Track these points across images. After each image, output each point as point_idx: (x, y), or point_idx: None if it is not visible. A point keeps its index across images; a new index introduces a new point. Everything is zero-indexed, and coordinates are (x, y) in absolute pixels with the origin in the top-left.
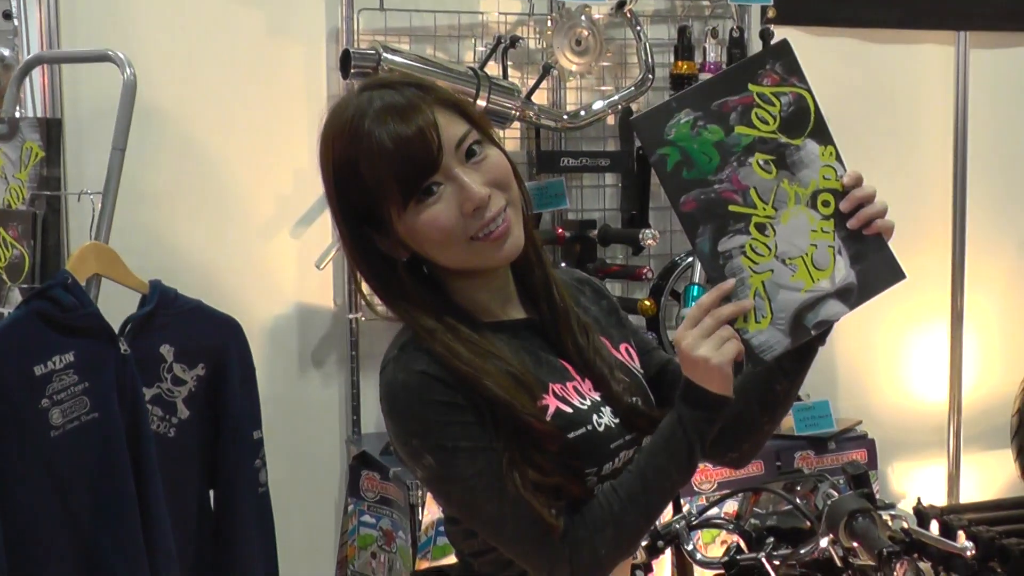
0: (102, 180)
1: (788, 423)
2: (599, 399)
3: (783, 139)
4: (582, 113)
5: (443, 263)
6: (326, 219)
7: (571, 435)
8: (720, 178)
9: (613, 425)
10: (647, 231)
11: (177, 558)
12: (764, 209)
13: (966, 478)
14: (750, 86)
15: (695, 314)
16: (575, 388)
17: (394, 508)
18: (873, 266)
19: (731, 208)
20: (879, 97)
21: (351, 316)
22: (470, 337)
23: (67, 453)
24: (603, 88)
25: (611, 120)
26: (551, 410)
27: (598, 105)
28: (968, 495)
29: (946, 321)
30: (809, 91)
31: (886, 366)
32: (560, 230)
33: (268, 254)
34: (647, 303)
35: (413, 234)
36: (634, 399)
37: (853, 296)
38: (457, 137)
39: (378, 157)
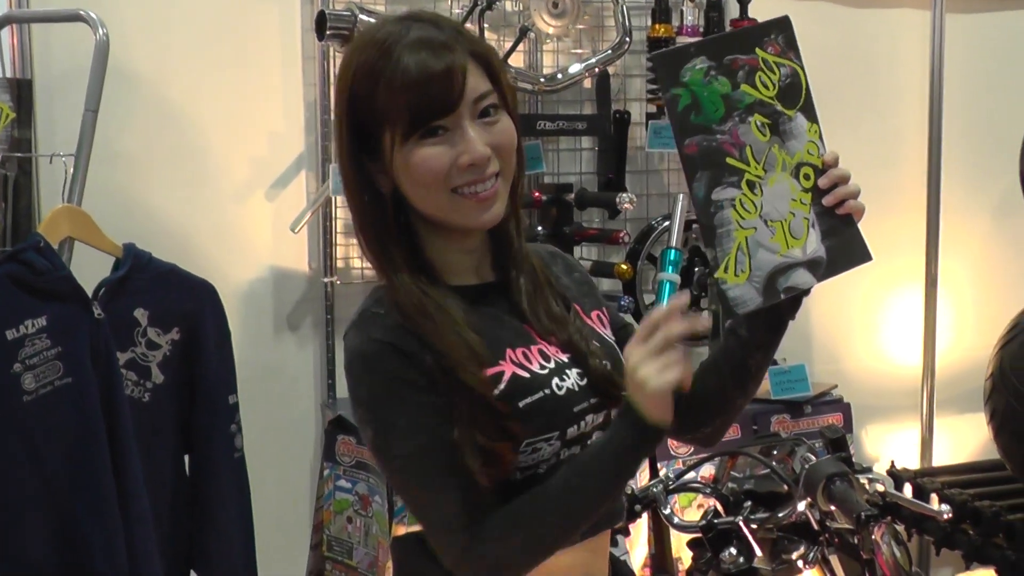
0: (74, 142)
1: (764, 387)
2: (566, 361)
3: (779, 107)
4: (559, 76)
5: (421, 208)
6: (301, 182)
7: (523, 401)
8: (723, 129)
9: (577, 388)
10: (624, 195)
11: (152, 523)
12: (756, 168)
13: (939, 442)
14: (757, 50)
15: (646, 329)
16: (540, 351)
17: (370, 473)
18: (842, 244)
19: (728, 160)
20: (855, 61)
21: (326, 280)
22: (433, 296)
23: (40, 418)
24: (580, 51)
25: (588, 83)
26: (506, 375)
27: (575, 68)
28: (941, 458)
29: (920, 285)
30: (803, 69)
31: (861, 330)
32: (537, 194)
33: (242, 217)
34: (624, 267)
35: (404, 170)
36: (604, 363)
37: (821, 269)
38: (479, 92)
39: (399, 82)
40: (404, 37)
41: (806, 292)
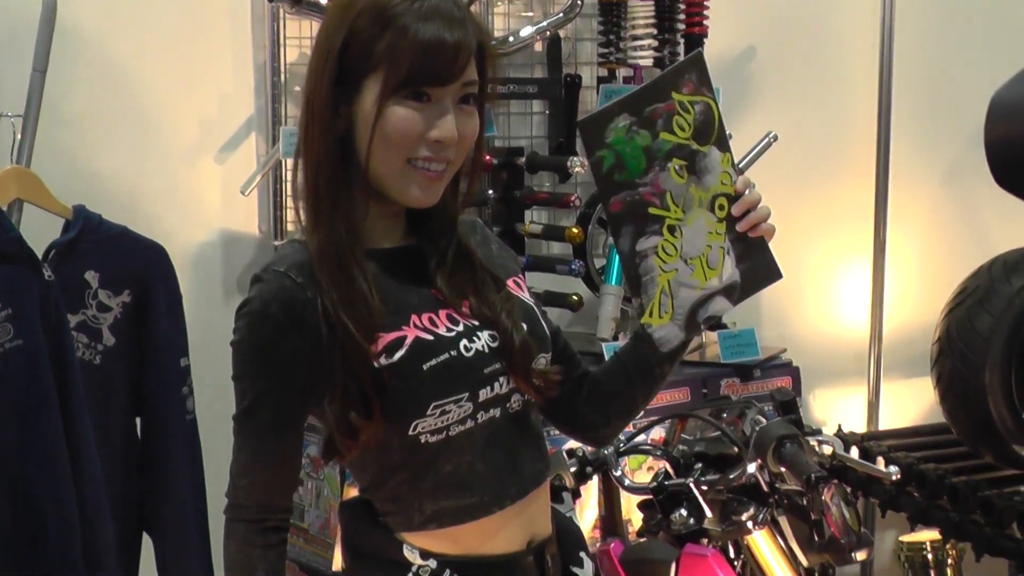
0: (20, 103)
1: (714, 351)
2: (476, 325)
3: (694, 146)
4: (510, 40)
5: (371, 163)
6: (251, 145)
7: (428, 363)
8: (645, 181)
9: (487, 350)
10: (575, 158)
11: (104, 485)
12: (676, 212)
13: (885, 406)
14: (673, 94)
15: None
16: (448, 316)
17: (320, 435)
18: (755, 266)
19: (650, 210)
20: (805, 29)
21: (276, 243)
22: (355, 257)
23: None
24: (531, 14)
25: (539, 47)
26: (409, 340)
27: (526, 31)
28: (887, 423)
29: (869, 252)
30: (715, 100)
31: (810, 296)
32: (488, 157)
33: (192, 180)
34: (575, 231)
35: (372, 120)
36: (521, 325)
37: (736, 294)
38: (470, 78)
39: (411, 37)
40: (424, 2)
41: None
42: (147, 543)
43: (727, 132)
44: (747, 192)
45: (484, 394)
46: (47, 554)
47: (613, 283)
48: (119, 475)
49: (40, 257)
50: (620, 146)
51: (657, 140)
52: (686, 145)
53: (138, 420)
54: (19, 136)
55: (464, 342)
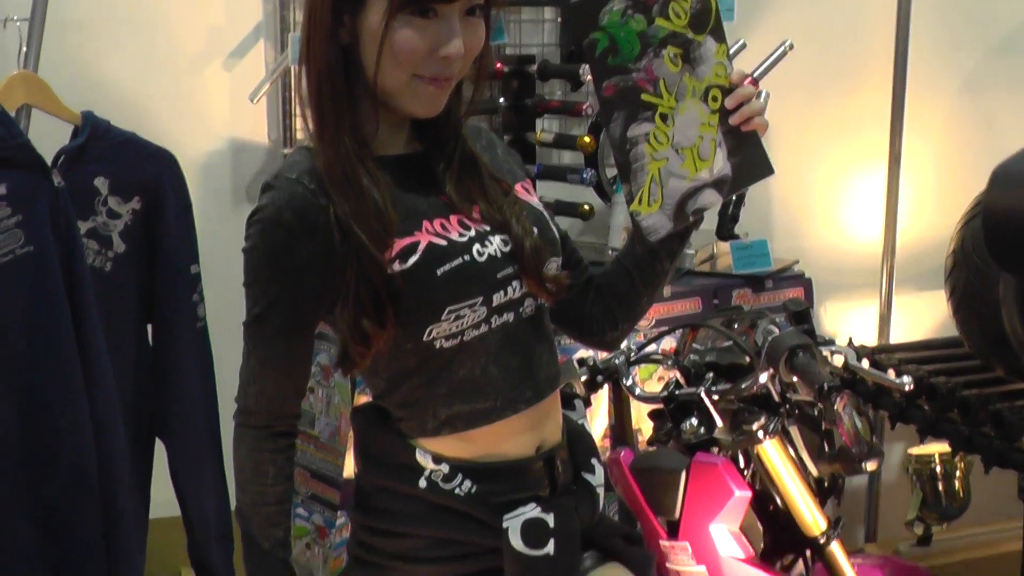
0: (27, 7)
1: (726, 262)
2: (488, 230)
3: (690, 35)
4: None
5: (378, 78)
6: (259, 51)
7: (441, 269)
8: (638, 67)
9: (500, 254)
10: (586, 66)
11: (116, 392)
12: (668, 100)
13: (897, 320)
14: None
15: None
16: (460, 221)
17: (331, 343)
18: (747, 160)
19: (643, 97)
20: None
21: (285, 151)
22: (365, 165)
23: (1, 287)
24: None
25: None
26: (422, 245)
27: None
28: (898, 336)
29: (884, 163)
30: None
31: (823, 207)
32: (499, 65)
33: (199, 87)
34: (586, 139)
35: (379, 37)
36: (532, 229)
37: (726, 187)
38: None
39: None
40: None
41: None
42: (160, 449)
43: (741, 41)
44: (741, 85)
45: (498, 298)
46: (61, 461)
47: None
48: (130, 382)
49: (49, 163)
50: (614, 29)
51: (652, 25)
52: (681, 33)
53: (149, 327)
54: (25, 42)
55: (477, 247)
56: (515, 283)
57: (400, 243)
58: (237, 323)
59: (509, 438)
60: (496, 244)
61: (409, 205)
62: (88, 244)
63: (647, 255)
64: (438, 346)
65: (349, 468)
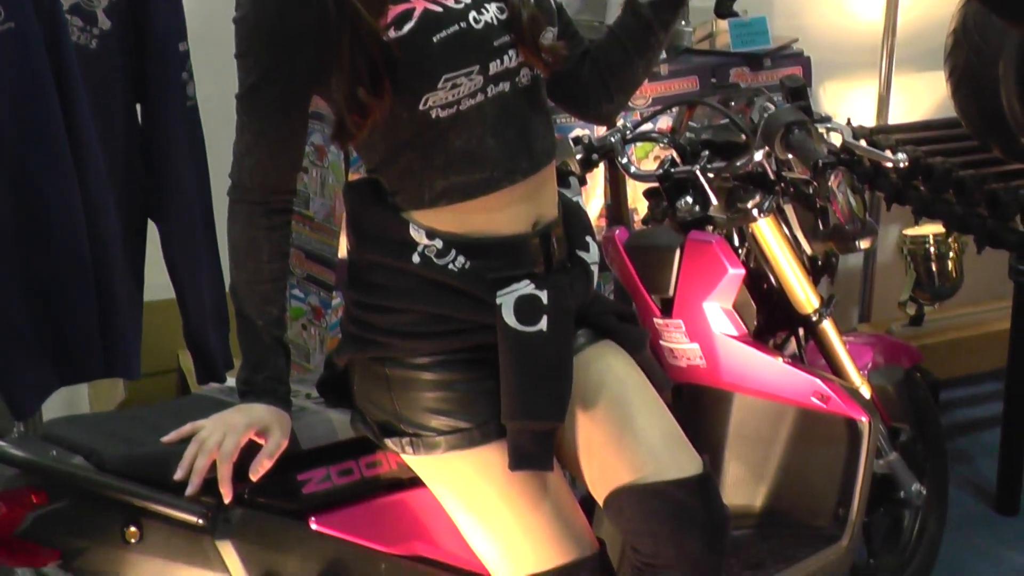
0: None
1: (724, 40)
2: None
3: None
4: None
5: None
6: None
7: (438, 36)
8: None
9: (496, 22)
10: None
11: (107, 174)
12: None
13: (896, 101)
14: None
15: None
16: None
17: (325, 123)
18: None
19: None
20: None
21: None
22: None
23: None
24: None
25: None
26: (417, 11)
27: None
28: (897, 118)
29: None
30: None
31: None
32: None
33: None
34: None
35: None
36: None
37: None
38: None
39: None
40: None
41: None
42: (153, 230)
43: None
44: None
45: (494, 67)
46: (53, 243)
47: None
48: (121, 162)
49: None
50: None
51: None
52: None
53: (138, 107)
54: None
55: (473, 14)
56: (511, 52)
57: (395, 9)
58: (227, 104)
59: (505, 210)
60: (492, 12)
61: None
62: (71, 20)
63: (640, 25)
64: (434, 116)
65: (343, 249)
